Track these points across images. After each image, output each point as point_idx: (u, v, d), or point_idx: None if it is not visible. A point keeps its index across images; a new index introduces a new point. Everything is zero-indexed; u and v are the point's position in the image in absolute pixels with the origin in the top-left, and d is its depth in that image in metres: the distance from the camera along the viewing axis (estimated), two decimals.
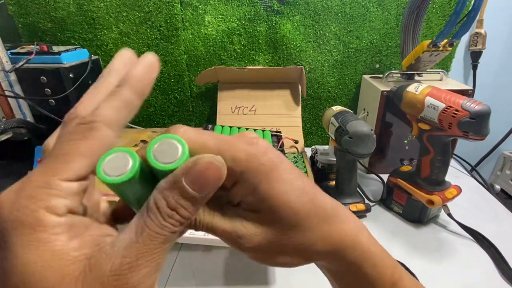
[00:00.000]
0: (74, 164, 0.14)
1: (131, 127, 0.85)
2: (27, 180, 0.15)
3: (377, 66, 0.83)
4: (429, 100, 0.49)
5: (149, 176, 0.17)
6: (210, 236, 0.44)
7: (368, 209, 0.59)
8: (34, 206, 0.13)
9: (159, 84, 0.83)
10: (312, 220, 0.19)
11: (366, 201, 0.63)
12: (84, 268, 0.14)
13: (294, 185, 0.18)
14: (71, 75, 0.65)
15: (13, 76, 0.63)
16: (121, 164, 0.15)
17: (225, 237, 0.19)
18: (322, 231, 0.19)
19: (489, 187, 0.73)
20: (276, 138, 0.73)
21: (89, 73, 0.69)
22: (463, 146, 0.79)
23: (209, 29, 0.78)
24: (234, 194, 0.19)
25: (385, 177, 0.65)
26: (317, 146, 0.75)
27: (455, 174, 0.76)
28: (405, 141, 0.71)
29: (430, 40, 0.60)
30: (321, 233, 0.19)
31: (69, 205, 0.14)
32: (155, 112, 0.88)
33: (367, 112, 0.76)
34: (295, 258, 0.20)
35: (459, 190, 0.55)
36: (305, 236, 0.19)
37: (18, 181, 0.15)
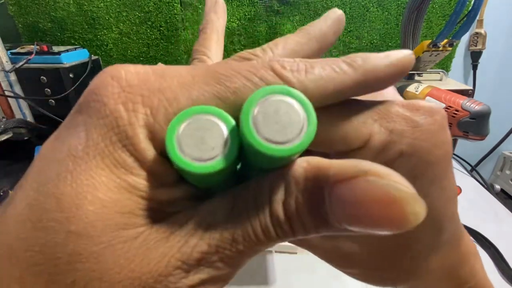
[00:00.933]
0: None
1: None
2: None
3: None
4: (429, 100, 0.49)
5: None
6: None
7: None
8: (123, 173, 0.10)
9: None
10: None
11: None
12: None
13: (448, 197, 0.13)
14: (71, 75, 0.65)
15: (13, 76, 0.63)
16: (209, 139, 0.09)
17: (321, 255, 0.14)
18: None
19: (489, 187, 0.73)
20: None
21: (89, 73, 0.69)
22: (463, 146, 0.79)
23: None
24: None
25: None
26: None
27: (455, 174, 0.76)
28: None
29: (430, 40, 0.60)
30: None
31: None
32: None
33: None
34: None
35: (459, 190, 0.55)
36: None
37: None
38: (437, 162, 0.11)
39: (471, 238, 0.55)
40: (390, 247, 0.13)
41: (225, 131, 0.09)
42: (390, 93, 0.13)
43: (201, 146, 0.09)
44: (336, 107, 0.11)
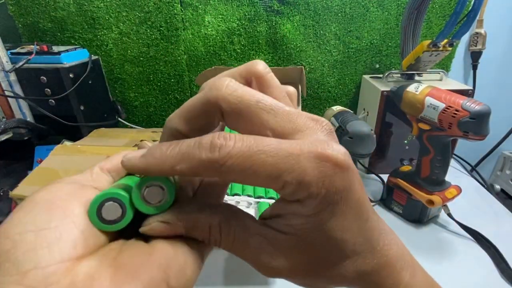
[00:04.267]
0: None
1: (131, 127, 0.85)
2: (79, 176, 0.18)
3: (377, 66, 0.83)
4: (429, 100, 0.49)
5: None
6: None
7: None
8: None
9: (159, 84, 0.83)
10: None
11: None
12: None
13: (360, 223, 0.16)
14: (71, 75, 0.65)
15: (13, 76, 0.63)
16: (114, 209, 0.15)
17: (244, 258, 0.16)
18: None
19: (489, 187, 0.73)
20: None
21: (89, 73, 0.69)
22: (463, 146, 0.79)
23: (209, 29, 0.78)
24: (283, 210, 0.15)
25: (385, 177, 0.65)
26: None
27: (455, 174, 0.76)
28: (405, 141, 0.71)
29: (430, 40, 0.60)
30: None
31: None
32: (155, 112, 0.88)
33: (367, 112, 0.76)
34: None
35: (459, 190, 0.55)
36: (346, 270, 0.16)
37: None
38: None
39: (472, 238, 0.55)
40: (311, 260, 0.16)
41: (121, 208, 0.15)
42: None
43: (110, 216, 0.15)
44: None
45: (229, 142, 0.13)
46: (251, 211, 0.48)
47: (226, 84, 0.15)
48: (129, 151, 0.16)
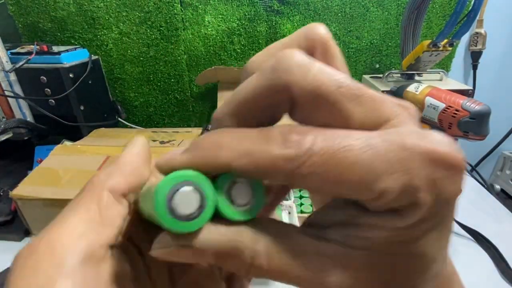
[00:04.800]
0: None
1: (131, 127, 0.85)
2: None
3: (377, 66, 0.83)
4: (429, 100, 0.49)
5: None
6: None
7: None
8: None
9: (159, 84, 0.83)
10: None
11: None
12: None
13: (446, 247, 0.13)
14: (71, 75, 0.65)
15: (13, 76, 0.63)
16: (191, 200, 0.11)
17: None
18: None
19: (489, 187, 0.73)
20: None
21: (89, 73, 0.69)
22: (463, 146, 0.78)
23: (209, 29, 0.78)
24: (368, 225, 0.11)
25: None
26: None
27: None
28: None
29: (430, 40, 0.60)
30: None
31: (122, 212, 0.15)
32: (155, 112, 0.88)
33: None
34: None
35: None
36: None
37: None
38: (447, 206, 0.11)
39: (472, 238, 0.55)
40: (382, 277, 0.11)
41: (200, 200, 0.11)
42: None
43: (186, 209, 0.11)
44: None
45: (308, 136, 0.10)
46: None
47: (299, 63, 0.11)
48: (158, 158, 0.12)
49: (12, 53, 0.64)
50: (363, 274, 0.11)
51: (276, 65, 0.11)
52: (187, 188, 0.11)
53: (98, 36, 0.77)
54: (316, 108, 0.11)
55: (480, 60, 0.82)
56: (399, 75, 0.73)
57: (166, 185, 0.10)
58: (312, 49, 0.13)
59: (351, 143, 0.10)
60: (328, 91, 0.11)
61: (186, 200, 0.10)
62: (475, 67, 0.83)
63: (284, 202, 0.47)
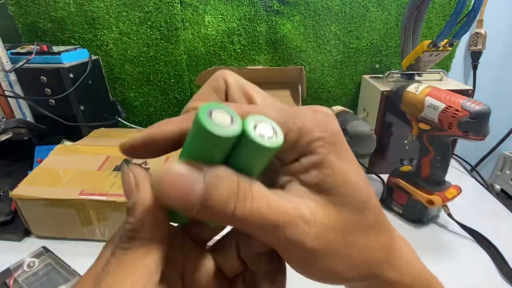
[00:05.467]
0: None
1: (131, 127, 0.85)
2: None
3: (377, 66, 0.83)
4: (429, 100, 0.49)
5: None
6: None
7: None
8: None
9: (159, 84, 0.83)
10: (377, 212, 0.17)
11: None
12: None
13: (358, 167, 0.16)
14: (71, 75, 0.65)
15: (13, 76, 0.63)
16: (225, 119, 0.13)
17: (281, 226, 0.14)
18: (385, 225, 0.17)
19: (489, 187, 0.73)
20: None
21: (89, 73, 0.69)
22: (463, 146, 0.79)
23: (209, 29, 0.78)
24: (295, 170, 0.16)
25: (385, 177, 0.65)
26: None
27: (455, 174, 0.76)
28: (405, 141, 0.71)
29: (430, 40, 0.60)
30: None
31: None
32: (155, 112, 0.88)
33: (367, 112, 0.76)
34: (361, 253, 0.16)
35: (459, 190, 0.55)
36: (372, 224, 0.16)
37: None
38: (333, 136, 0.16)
39: (472, 238, 0.55)
40: (342, 214, 0.15)
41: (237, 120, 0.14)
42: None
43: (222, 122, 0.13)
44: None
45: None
46: None
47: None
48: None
49: (12, 53, 0.64)
50: (320, 200, 0.15)
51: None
52: (219, 110, 0.13)
53: (98, 36, 0.77)
54: None
55: (480, 60, 0.82)
56: (399, 75, 0.73)
57: (205, 107, 0.13)
58: (223, 92, 0.17)
59: (275, 108, 0.15)
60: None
61: (221, 116, 0.13)
62: (475, 67, 0.83)
63: None
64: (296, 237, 0.14)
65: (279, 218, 0.14)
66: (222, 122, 0.13)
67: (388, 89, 0.65)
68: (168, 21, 0.76)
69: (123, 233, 0.15)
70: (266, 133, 0.14)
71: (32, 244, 0.51)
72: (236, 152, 0.14)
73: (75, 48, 0.69)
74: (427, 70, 0.70)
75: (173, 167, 0.13)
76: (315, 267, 0.16)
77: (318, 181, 0.15)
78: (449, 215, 0.56)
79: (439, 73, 0.72)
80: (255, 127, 0.14)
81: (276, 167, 0.17)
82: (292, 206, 0.14)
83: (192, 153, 0.14)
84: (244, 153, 0.14)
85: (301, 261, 0.16)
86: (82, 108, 0.69)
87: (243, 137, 0.13)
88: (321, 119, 0.15)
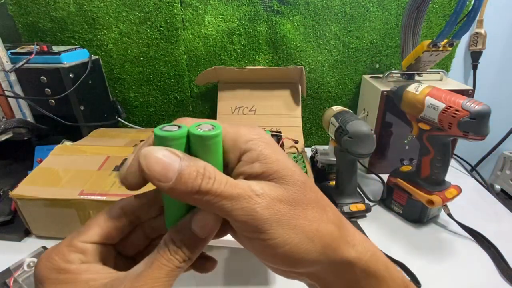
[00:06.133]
0: (89, 232, 0.20)
1: (131, 127, 0.85)
2: (62, 241, 0.20)
3: (377, 66, 0.83)
4: (429, 100, 0.49)
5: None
6: None
7: (368, 209, 0.59)
8: (58, 258, 0.18)
9: (159, 84, 0.83)
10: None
11: (366, 201, 0.63)
12: None
13: (292, 160, 0.20)
14: (71, 75, 0.65)
15: (13, 76, 0.63)
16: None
17: (236, 197, 0.17)
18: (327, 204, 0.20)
19: (489, 187, 0.73)
20: (276, 138, 0.73)
21: (89, 73, 0.69)
22: (463, 146, 0.79)
23: (209, 29, 0.78)
24: (242, 169, 0.19)
25: (385, 177, 0.65)
26: (317, 146, 0.75)
27: (455, 174, 0.76)
28: (405, 141, 0.71)
29: (430, 40, 0.60)
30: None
31: (82, 258, 0.19)
32: (155, 112, 0.88)
33: (367, 112, 0.76)
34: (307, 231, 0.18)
35: (459, 190, 0.55)
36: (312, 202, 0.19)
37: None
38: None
39: (472, 238, 0.55)
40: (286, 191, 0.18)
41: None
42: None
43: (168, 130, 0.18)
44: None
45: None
46: None
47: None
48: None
49: (12, 53, 0.64)
50: (267, 183, 0.18)
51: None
52: (169, 124, 0.18)
53: (98, 36, 0.77)
54: None
55: (480, 60, 0.82)
56: (399, 75, 0.73)
57: (158, 127, 0.18)
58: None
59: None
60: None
61: (169, 127, 0.18)
62: (475, 67, 0.83)
63: None
64: (249, 207, 0.17)
65: (234, 191, 0.17)
66: (169, 129, 0.18)
67: (388, 89, 0.65)
68: (168, 21, 0.76)
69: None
70: (205, 128, 0.18)
71: (32, 244, 0.51)
72: (193, 151, 0.18)
73: (75, 48, 0.69)
74: (427, 70, 0.70)
75: (157, 150, 0.17)
76: (272, 241, 0.18)
77: (263, 170, 0.18)
78: (449, 215, 0.56)
79: (439, 73, 0.72)
80: (197, 128, 0.18)
81: (229, 174, 0.19)
82: (246, 184, 0.18)
83: None
84: (196, 147, 0.18)
85: (258, 234, 0.18)
86: (82, 108, 0.69)
87: (191, 136, 0.18)
88: (255, 129, 0.19)
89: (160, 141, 0.17)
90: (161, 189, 0.16)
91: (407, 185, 0.57)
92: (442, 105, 0.47)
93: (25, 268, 0.45)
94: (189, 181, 0.16)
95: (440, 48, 0.61)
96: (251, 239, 0.18)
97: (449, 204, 0.55)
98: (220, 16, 0.77)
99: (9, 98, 0.63)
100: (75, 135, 0.68)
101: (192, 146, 0.18)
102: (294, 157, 0.69)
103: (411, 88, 0.53)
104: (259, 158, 0.18)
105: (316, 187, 0.20)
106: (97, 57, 0.76)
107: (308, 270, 0.20)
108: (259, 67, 0.79)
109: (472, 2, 0.54)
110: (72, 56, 0.66)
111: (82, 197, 0.49)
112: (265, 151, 0.18)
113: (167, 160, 0.16)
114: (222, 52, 0.80)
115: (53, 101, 0.66)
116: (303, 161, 0.66)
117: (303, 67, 0.76)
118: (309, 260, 0.18)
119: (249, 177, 0.18)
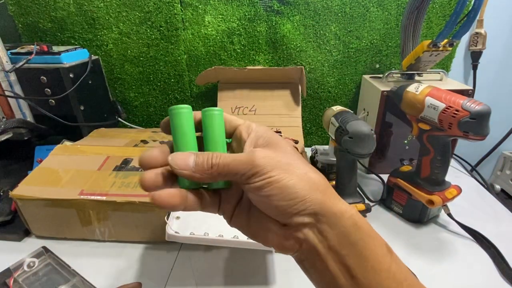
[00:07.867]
0: None
1: (131, 127, 0.85)
2: None
3: (377, 66, 0.83)
4: (429, 100, 0.49)
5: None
6: (210, 236, 0.44)
7: (368, 209, 0.59)
8: None
9: (159, 84, 0.83)
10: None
11: (366, 201, 0.63)
12: None
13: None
14: (71, 75, 0.65)
15: (13, 76, 0.63)
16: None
17: (238, 159, 0.22)
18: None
19: (489, 187, 0.73)
20: None
21: (89, 73, 0.69)
22: (463, 146, 0.79)
23: (209, 29, 0.78)
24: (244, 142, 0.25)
25: (385, 177, 0.65)
26: (317, 146, 0.75)
27: (455, 174, 0.76)
28: (405, 141, 0.71)
29: (430, 40, 0.60)
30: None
31: None
32: (155, 112, 0.88)
33: (367, 112, 0.76)
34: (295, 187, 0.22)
35: (459, 190, 0.55)
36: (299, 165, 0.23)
37: None
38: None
39: (472, 238, 0.55)
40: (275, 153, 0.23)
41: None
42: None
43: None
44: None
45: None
46: None
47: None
48: None
49: (12, 53, 0.64)
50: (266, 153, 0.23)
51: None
52: (182, 105, 0.25)
53: (98, 36, 0.77)
54: None
55: (480, 60, 0.82)
56: (399, 75, 0.73)
57: (172, 107, 0.25)
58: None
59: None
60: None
61: (182, 106, 0.25)
62: (475, 67, 0.83)
63: None
64: (249, 158, 0.22)
65: (236, 157, 0.22)
66: (181, 107, 0.25)
67: (388, 89, 0.65)
68: (168, 21, 0.76)
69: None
70: (214, 109, 0.25)
71: (32, 244, 0.52)
72: (204, 129, 0.25)
73: (75, 48, 0.69)
74: (427, 70, 0.70)
75: (179, 153, 0.23)
76: (269, 179, 0.21)
77: (256, 140, 0.24)
78: (449, 215, 0.56)
79: (439, 73, 0.72)
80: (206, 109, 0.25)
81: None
82: (246, 148, 0.24)
83: (176, 134, 0.25)
84: (206, 124, 0.25)
85: (259, 177, 0.22)
86: (82, 108, 0.69)
87: (202, 114, 0.26)
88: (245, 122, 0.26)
89: (173, 113, 0.24)
90: (184, 176, 0.23)
91: (407, 185, 0.57)
92: (442, 105, 0.47)
93: (25, 268, 0.45)
94: (202, 163, 0.22)
95: (440, 48, 0.61)
96: (256, 189, 0.22)
97: (449, 204, 0.55)
98: (220, 16, 0.77)
99: (9, 98, 0.63)
100: (75, 135, 0.68)
101: (203, 125, 0.25)
102: None
103: (411, 88, 0.53)
104: (252, 131, 0.25)
105: (305, 160, 0.24)
106: (97, 57, 0.76)
107: (303, 219, 0.22)
108: (259, 67, 0.79)
109: (472, 2, 0.54)
110: (72, 56, 0.67)
111: (82, 197, 0.49)
112: (255, 127, 0.25)
113: (186, 156, 0.23)
114: (222, 52, 0.80)
115: (53, 101, 0.66)
116: None
117: (303, 67, 0.76)
118: (300, 196, 0.22)
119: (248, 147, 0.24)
